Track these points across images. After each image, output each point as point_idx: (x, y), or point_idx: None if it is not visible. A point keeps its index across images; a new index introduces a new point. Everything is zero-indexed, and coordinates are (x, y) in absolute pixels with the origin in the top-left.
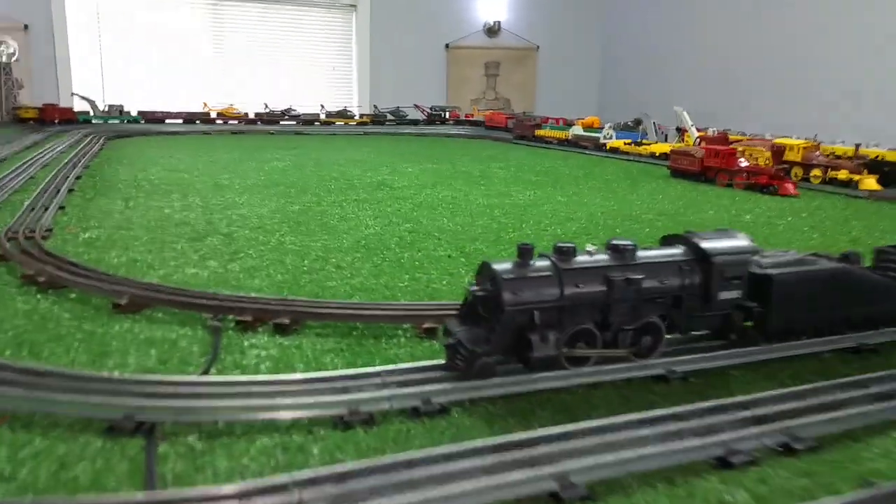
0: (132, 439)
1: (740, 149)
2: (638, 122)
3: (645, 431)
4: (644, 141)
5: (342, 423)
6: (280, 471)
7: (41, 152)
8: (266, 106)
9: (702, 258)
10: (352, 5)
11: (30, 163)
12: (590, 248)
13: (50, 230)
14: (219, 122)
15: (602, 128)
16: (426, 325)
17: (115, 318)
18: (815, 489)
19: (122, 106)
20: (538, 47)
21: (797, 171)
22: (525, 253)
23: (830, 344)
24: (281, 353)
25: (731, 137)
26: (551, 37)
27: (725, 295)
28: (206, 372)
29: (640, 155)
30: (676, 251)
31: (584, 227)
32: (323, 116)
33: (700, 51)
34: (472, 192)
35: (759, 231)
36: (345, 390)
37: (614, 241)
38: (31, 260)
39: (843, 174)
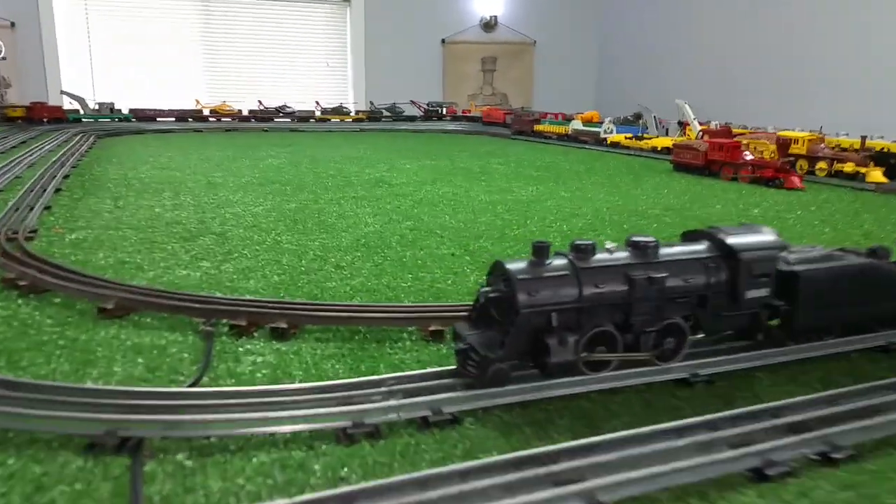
0: (116, 457)
1: (745, 142)
2: (638, 117)
3: (674, 443)
4: (645, 135)
5: (346, 437)
6: (279, 492)
7: (28, 151)
8: (260, 103)
9: (728, 254)
10: (346, 0)
11: (16, 162)
12: (609, 245)
13: (34, 231)
14: (211, 119)
15: (602, 122)
16: (433, 328)
17: (101, 324)
18: (862, 503)
19: (112, 104)
20: (535, 42)
21: (802, 164)
22: (541, 251)
23: (858, 343)
24: (278, 360)
25: (735, 131)
26: (548, 32)
27: (753, 293)
28: (197, 382)
29: (642, 149)
30: (700, 247)
31: (590, 224)
32: (318, 113)
33: (696, 46)
34: (472, 188)
35: (769, 226)
36: (348, 400)
37: (635, 238)
38: (13, 263)
39: (849, 167)
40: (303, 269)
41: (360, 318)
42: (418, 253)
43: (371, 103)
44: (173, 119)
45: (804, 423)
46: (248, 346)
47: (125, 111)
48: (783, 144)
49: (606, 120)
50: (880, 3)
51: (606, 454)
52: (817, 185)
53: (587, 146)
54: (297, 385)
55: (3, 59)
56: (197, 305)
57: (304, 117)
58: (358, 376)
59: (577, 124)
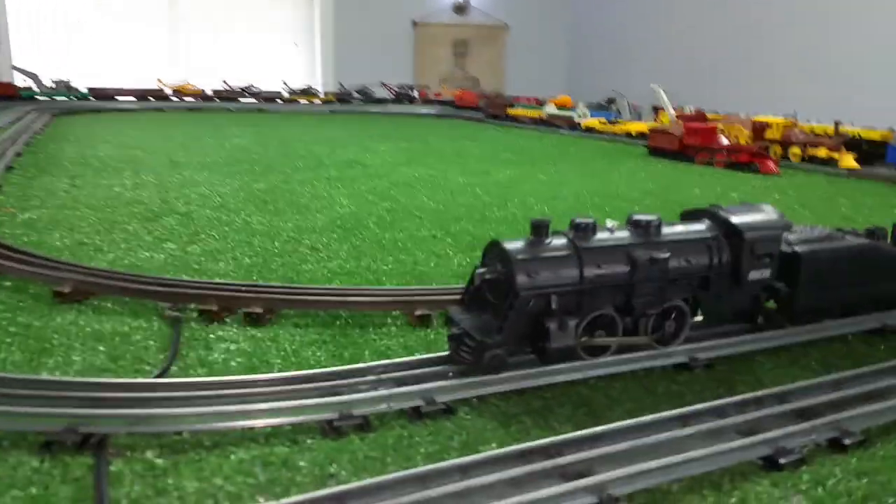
0: (77, 457)
1: (721, 127)
2: (611, 101)
3: (682, 431)
4: (618, 120)
5: (332, 430)
6: (262, 492)
7: None
8: (225, 83)
9: (732, 234)
10: None
11: None
12: (610, 223)
13: None
14: (174, 99)
15: (575, 107)
16: (419, 313)
17: (57, 309)
18: (877, 491)
19: (68, 81)
20: (507, 26)
21: (776, 149)
22: (540, 229)
23: (854, 325)
24: (254, 347)
25: (709, 116)
26: (520, 15)
27: (755, 275)
28: (165, 372)
29: (616, 134)
30: (703, 227)
31: (571, 206)
32: (286, 94)
33: (667, 32)
34: (448, 170)
35: None
36: (334, 390)
37: (636, 216)
38: None
39: (822, 152)
40: (276, 251)
41: (342, 303)
42: (397, 235)
43: (341, 84)
44: (134, 98)
45: (812, 408)
46: (220, 333)
47: (83, 89)
48: (758, 129)
49: (580, 104)
50: None
51: (614, 445)
52: (791, 170)
53: (561, 130)
54: (276, 375)
55: None
56: (162, 289)
57: (271, 98)
58: (341, 363)
59: (550, 108)
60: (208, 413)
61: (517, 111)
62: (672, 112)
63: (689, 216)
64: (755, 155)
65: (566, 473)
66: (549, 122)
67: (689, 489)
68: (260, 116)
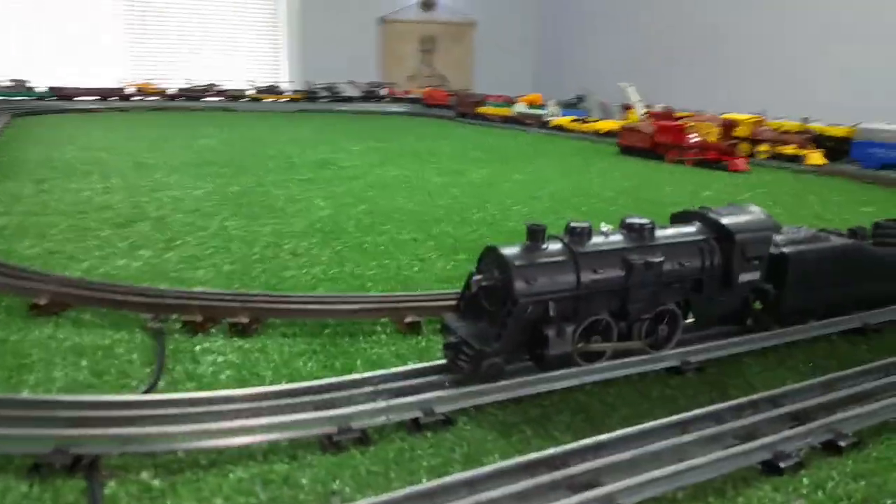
0: (68, 479)
1: (691, 125)
2: (580, 99)
3: (683, 438)
4: (588, 118)
5: (332, 444)
6: None
7: None
8: (188, 81)
9: (724, 236)
10: None
11: None
12: (604, 227)
13: None
14: (137, 98)
15: (545, 105)
16: (409, 320)
17: (34, 322)
18: (874, 493)
19: (26, 81)
20: (475, 23)
21: (745, 147)
22: (536, 234)
23: (836, 325)
24: (242, 359)
25: (677, 114)
26: (488, 13)
27: (745, 277)
28: (153, 387)
29: (586, 132)
30: (694, 229)
31: (549, 207)
32: (252, 92)
33: (634, 30)
34: (423, 170)
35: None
36: (331, 403)
37: (630, 220)
38: None
39: (790, 149)
40: (255, 256)
41: (330, 311)
42: (378, 238)
43: (308, 83)
44: (96, 98)
45: (806, 411)
46: (206, 345)
47: (42, 89)
48: (727, 127)
49: (550, 102)
50: None
51: (618, 454)
52: (760, 168)
53: (531, 129)
54: (270, 388)
55: None
56: (143, 299)
57: (236, 96)
58: (333, 373)
59: (521, 107)
60: (204, 430)
61: (487, 109)
62: (642, 110)
63: (679, 218)
64: (724, 153)
65: (573, 485)
66: (519, 121)
67: (693, 496)
68: (226, 116)
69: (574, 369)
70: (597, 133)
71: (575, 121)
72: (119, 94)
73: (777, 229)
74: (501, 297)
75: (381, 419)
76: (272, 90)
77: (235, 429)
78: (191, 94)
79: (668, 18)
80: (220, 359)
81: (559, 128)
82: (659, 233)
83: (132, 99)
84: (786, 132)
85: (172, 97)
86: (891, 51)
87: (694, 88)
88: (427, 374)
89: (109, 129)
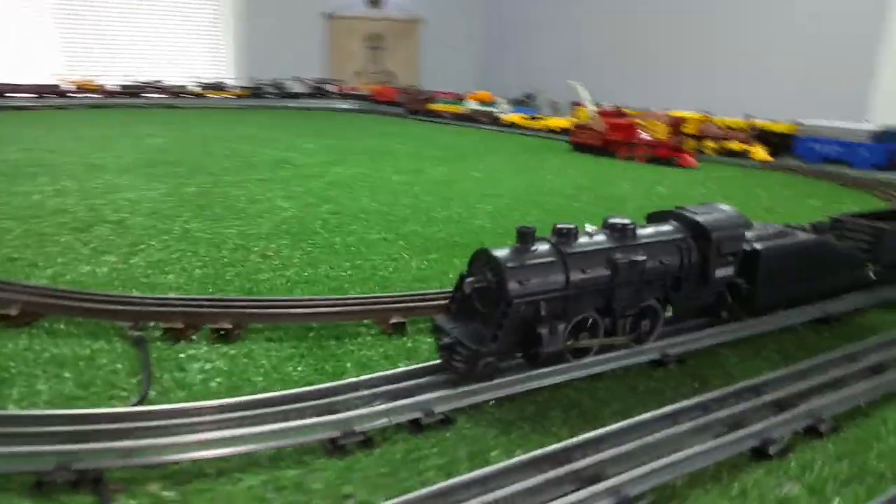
0: (74, 495)
1: (641, 123)
2: (529, 97)
3: (679, 428)
4: (539, 115)
5: (337, 449)
6: None
7: None
8: (129, 78)
9: (700, 234)
10: None
11: None
12: (589, 228)
13: None
14: (76, 95)
15: (495, 102)
16: (394, 321)
17: (6, 334)
18: (858, 472)
19: None
20: (423, 20)
21: (692, 143)
22: (526, 236)
23: (801, 316)
24: (230, 366)
25: (626, 112)
26: (436, 10)
27: (721, 273)
28: (144, 397)
29: (538, 129)
30: (672, 228)
31: (513, 204)
32: (197, 88)
33: (583, 28)
34: (381, 168)
35: (679, 202)
36: (331, 408)
37: (612, 220)
38: None
39: (735, 145)
40: (225, 260)
41: (314, 314)
42: (348, 239)
43: (254, 79)
44: (30, 95)
45: (786, 399)
46: (191, 352)
47: None
48: (675, 124)
49: (500, 100)
50: None
51: (619, 446)
52: (708, 163)
53: (482, 126)
54: (267, 395)
55: None
56: (121, 307)
57: (180, 93)
58: (325, 377)
59: (472, 104)
60: (211, 439)
61: (438, 106)
62: (592, 108)
63: (656, 218)
64: (674, 149)
65: (580, 478)
66: (471, 118)
67: (692, 484)
68: (171, 113)
69: (563, 366)
70: (548, 130)
71: (526, 118)
72: (56, 91)
73: (749, 226)
74: (495, 299)
75: (383, 421)
76: (217, 87)
77: (239, 437)
78: (132, 92)
79: (611, 17)
80: (208, 366)
81: (511, 125)
82: (640, 232)
83: (70, 96)
84: (731, 129)
85: (113, 94)
86: (825, 50)
87: (637, 86)
88: (422, 375)
89: (50, 128)
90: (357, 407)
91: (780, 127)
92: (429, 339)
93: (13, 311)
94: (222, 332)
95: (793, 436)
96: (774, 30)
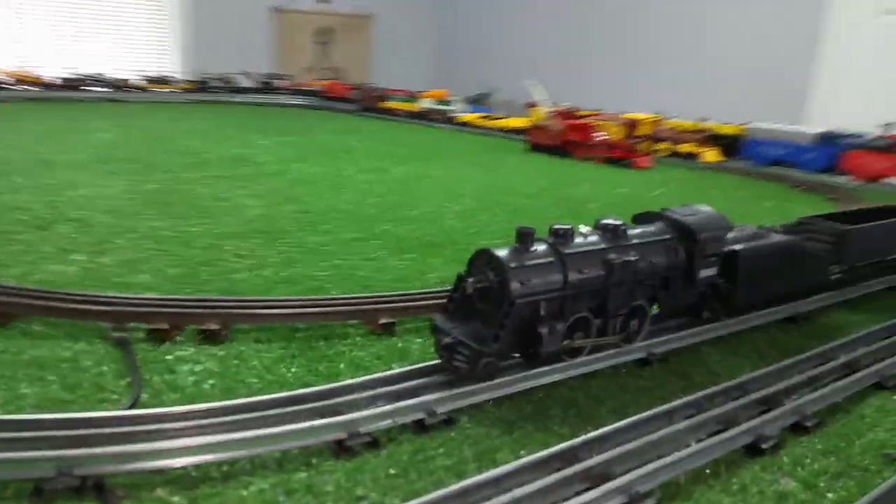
0: (78, 503)
1: (598, 124)
2: (484, 96)
3: (677, 426)
4: (494, 115)
5: (344, 450)
6: None
7: None
8: (70, 70)
9: (687, 235)
10: None
11: None
12: (582, 228)
13: None
14: (13, 88)
15: (450, 101)
16: (383, 321)
17: None
18: (846, 467)
19: None
20: (373, 15)
21: (646, 145)
22: (525, 237)
23: (771, 315)
24: (221, 367)
25: (581, 113)
26: (386, 6)
27: (705, 273)
28: (137, 400)
29: (493, 129)
30: (661, 229)
31: (480, 204)
32: (141, 82)
33: (537, 27)
34: (343, 167)
35: (640, 203)
36: (334, 409)
37: (604, 221)
38: None
39: (688, 147)
40: (198, 259)
41: (303, 315)
42: (321, 238)
43: (200, 73)
44: None
45: (772, 396)
46: (179, 353)
47: None
48: (630, 126)
49: (456, 98)
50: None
51: (625, 445)
52: (662, 165)
53: (437, 124)
54: (267, 397)
55: None
56: (101, 307)
57: (123, 86)
58: (319, 378)
59: (427, 102)
60: (218, 442)
61: (392, 104)
62: (549, 108)
63: (641, 219)
64: (630, 151)
65: (590, 477)
66: (425, 117)
67: (694, 481)
68: (116, 107)
69: (559, 365)
70: (504, 130)
71: (482, 117)
72: None
73: (730, 228)
74: (497, 299)
75: (388, 422)
76: (162, 80)
77: (244, 440)
78: (74, 85)
79: (566, 19)
80: (198, 368)
81: (467, 124)
82: (630, 233)
83: (8, 89)
84: (683, 131)
85: (53, 87)
86: (766, 62)
87: (590, 88)
88: (421, 375)
89: None
90: (360, 408)
91: (728, 129)
92: (419, 340)
93: None
94: (208, 333)
95: (782, 432)
96: (722, 38)
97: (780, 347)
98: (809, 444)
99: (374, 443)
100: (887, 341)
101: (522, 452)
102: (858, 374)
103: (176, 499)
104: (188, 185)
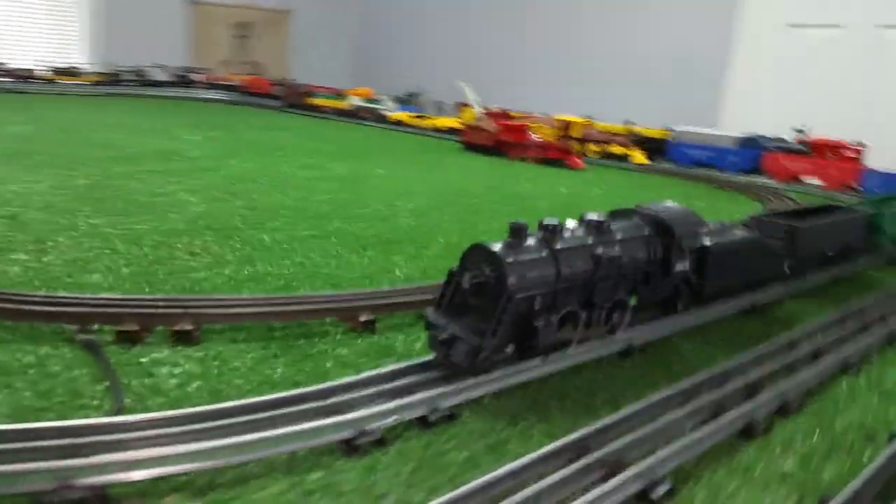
0: None
1: (532, 125)
2: (412, 96)
3: (676, 414)
4: (424, 114)
5: (353, 449)
6: None
7: None
8: None
9: (664, 231)
10: None
11: None
12: (570, 223)
13: None
14: None
15: (378, 100)
16: (364, 318)
17: None
18: (835, 445)
19: None
20: (292, 11)
21: (577, 146)
22: (519, 232)
23: (733, 307)
24: (203, 369)
25: (512, 114)
26: (306, 1)
27: (680, 267)
28: (121, 405)
29: (424, 128)
30: (639, 224)
31: (431, 203)
32: (47, 73)
33: (466, 28)
34: (279, 163)
35: (584, 201)
36: (339, 408)
37: (589, 216)
38: None
39: (617, 149)
40: (150, 258)
41: (280, 313)
42: (276, 236)
43: (111, 65)
44: None
45: (755, 384)
46: (154, 356)
47: None
48: (563, 128)
49: (385, 97)
50: (642, 12)
51: (633, 433)
52: (594, 166)
53: (367, 122)
54: (266, 398)
55: None
56: (63, 309)
57: (28, 77)
58: (308, 377)
59: (356, 100)
60: (218, 447)
61: (320, 101)
62: (480, 109)
63: (618, 215)
64: (563, 152)
65: (606, 464)
66: (354, 115)
67: (698, 464)
68: (21, 98)
69: (550, 357)
70: (436, 129)
71: (412, 117)
72: None
73: (703, 224)
74: (493, 293)
75: (393, 419)
76: (70, 72)
77: (254, 442)
78: None
79: (497, 22)
80: (177, 370)
81: (398, 123)
82: (614, 228)
83: None
84: (613, 134)
85: None
86: (688, 63)
87: (520, 90)
88: (418, 372)
89: None
90: (364, 406)
91: (655, 133)
92: (400, 336)
93: None
94: (181, 334)
95: (769, 416)
96: (647, 46)
97: (745, 335)
98: (794, 425)
99: (381, 441)
100: (842, 328)
101: (533, 444)
102: (826, 360)
103: None
104: (120, 180)
